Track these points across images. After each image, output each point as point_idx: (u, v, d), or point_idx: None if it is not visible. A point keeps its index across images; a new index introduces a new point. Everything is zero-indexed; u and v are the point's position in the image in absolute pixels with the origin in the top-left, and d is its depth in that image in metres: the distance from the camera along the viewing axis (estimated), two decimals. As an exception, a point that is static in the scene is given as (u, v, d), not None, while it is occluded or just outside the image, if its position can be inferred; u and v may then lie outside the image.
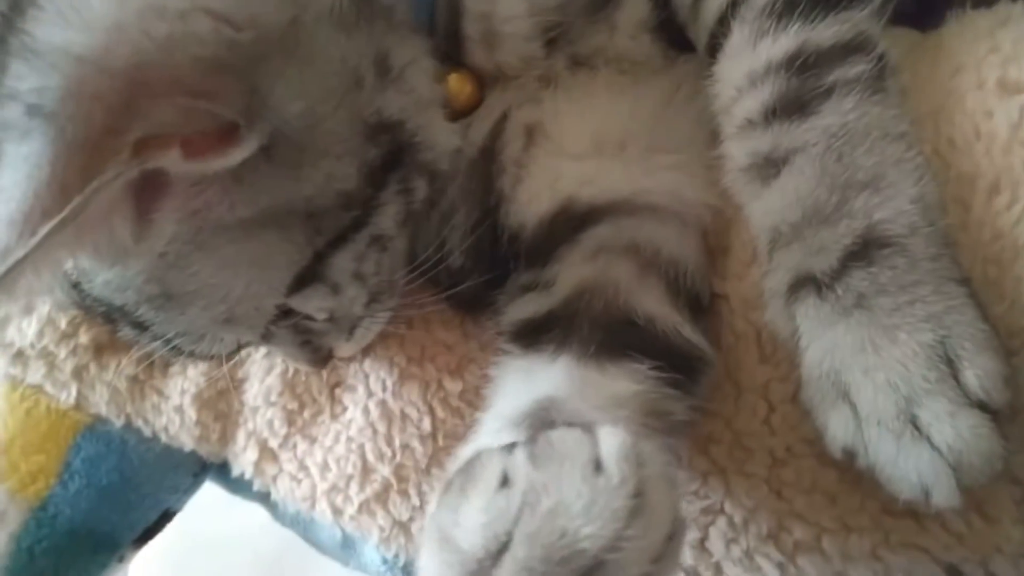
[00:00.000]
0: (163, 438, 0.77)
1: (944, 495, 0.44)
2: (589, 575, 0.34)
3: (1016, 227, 0.50)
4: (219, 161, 0.44)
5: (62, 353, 0.74)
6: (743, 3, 0.57)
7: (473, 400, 0.67)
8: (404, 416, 0.68)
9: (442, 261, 0.63)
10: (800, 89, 0.52)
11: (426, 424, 0.67)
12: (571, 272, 0.59)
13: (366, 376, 0.70)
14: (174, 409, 0.75)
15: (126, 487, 0.77)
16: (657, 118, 0.63)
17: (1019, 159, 0.51)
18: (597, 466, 0.35)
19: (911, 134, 0.51)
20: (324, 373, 0.71)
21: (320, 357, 0.66)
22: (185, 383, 0.75)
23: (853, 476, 0.53)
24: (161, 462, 0.78)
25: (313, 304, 0.56)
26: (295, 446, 0.72)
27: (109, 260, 0.47)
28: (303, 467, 0.72)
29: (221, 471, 0.81)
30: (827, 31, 0.53)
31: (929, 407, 0.44)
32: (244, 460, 0.75)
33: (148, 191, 0.46)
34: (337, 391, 0.71)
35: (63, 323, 0.73)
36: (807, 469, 0.54)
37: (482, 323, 0.69)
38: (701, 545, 0.57)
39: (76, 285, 0.55)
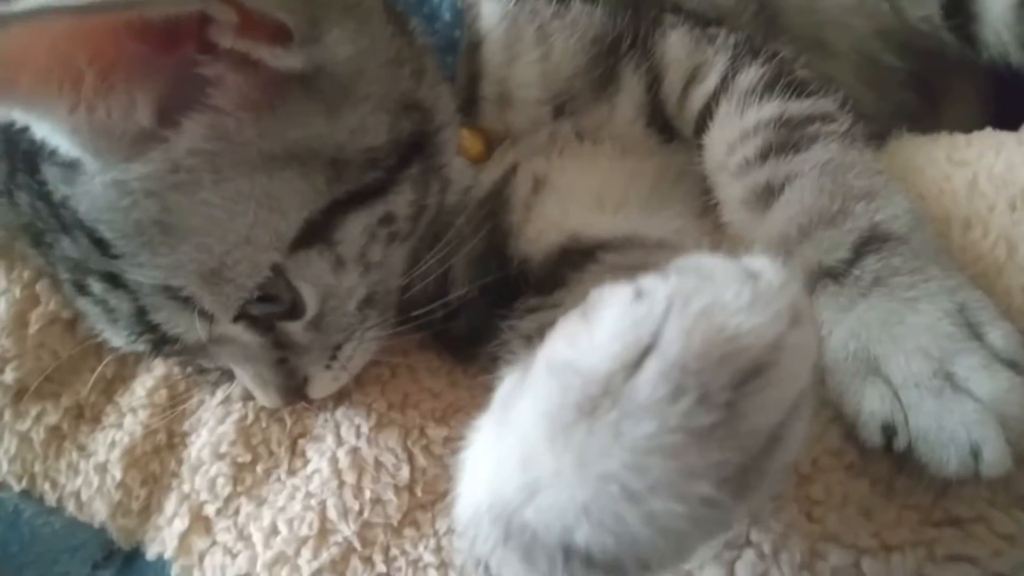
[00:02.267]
0: (70, 507, 0.65)
1: (994, 451, 0.42)
2: (745, 384, 0.29)
3: (993, 250, 0.55)
4: (266, 52, 0.45)
5: (-29, 393, 0.64)
6: (728, 89, 0.66)
7: (459, 449, 0.61)
8: (379, 465, 0.60)
9: (446, 285, 0.62)
10: (789, 136, 0.60)
11: (404, 473, 0.60)
12: (582, 289, 0.59)
13: (337, 425, 0.63)
14: (96, 468, 0.64)
15: (7, 567, 0.63)
16: (653, 185, 0.68)
17: (983, 204, 0.58)
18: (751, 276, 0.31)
19: (888, 173, 0.58)
20: (288, 422, 0.64)
21: (292, 386, 0.60)
22: (118, 435, 0.65)
23: (886, 486, 0.50)
24: (58, 541, 0.65)
25: (310, 272, 0.52)
26: (237, 511, 0.62)
27: (124, 145, 0.45)
28: (243, 536, 0.61)
29: (126, 567, 0.67)
30: (801, 105, 0.63)
31: (963, 363, 0.45)
32: (168, 534, 0.63)
33: (183, 94, 0.46)
34: (301, 442, 0.63)
35: (-10, 355, 0.65)
36: (836, 483, 0.50)
37: (471, 372, 0.65)
38: (726, 587, 0.50)
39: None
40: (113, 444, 0.65)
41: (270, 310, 0.54)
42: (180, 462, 0.65)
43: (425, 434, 0.62)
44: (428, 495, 0.60)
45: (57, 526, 0.65)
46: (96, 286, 0.51)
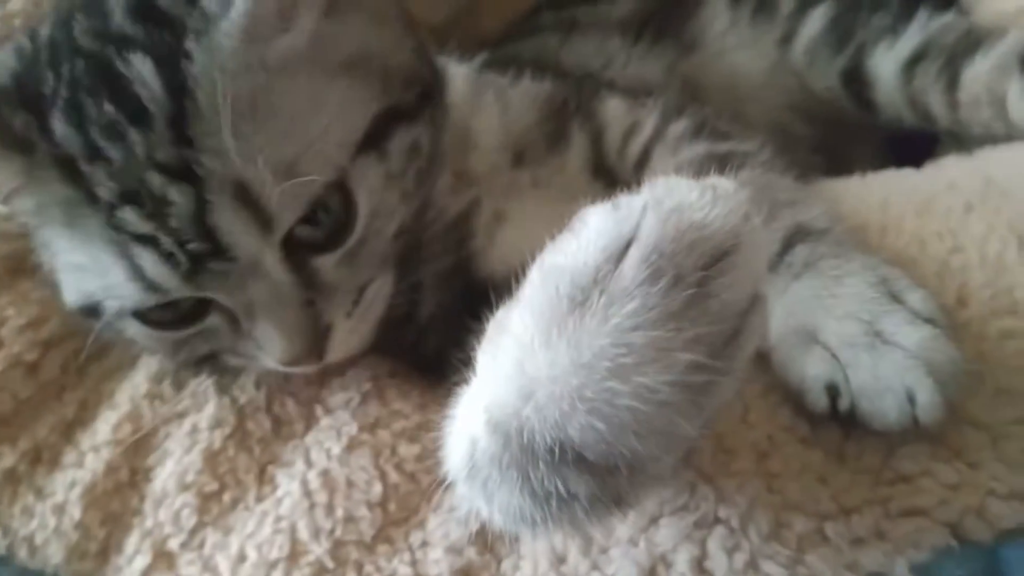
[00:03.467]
0: (21, 554, 0.62)
1: (927, 394, 0.47)
2: (711, 266, 0.33)
3: (907, 248, 0.62)
4: None
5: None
6: (662, 137, 0.75)
7: (432, 467, 0.62)
8: (350, 484, 0.60)
9: (416, 306, 0.65)
10: (718, 164, 0.67)
11: (376, 490, 0.60)
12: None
13: (307, 449, 0.63)
14: (53, 509, 0.63)
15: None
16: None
17: (894, 215, 0.65)
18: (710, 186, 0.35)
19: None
20: (256, 450, 0.64)
21: (314, 333, 0.60)
22: (78, 474, 0.64)
23: (837, 454, 0.53)
24: (6, 591, 0.61)
25: (368, 180, 0.58)
26: (203, 542, 0.60)
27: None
28: (208, 567, 0.59)
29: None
30: (724, 146, 0.72)
31: (889, 321, 0.50)
32: (127, 574, 0.60)
33: None
34: (270, 468, 0.63)
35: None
36: (793, 455, 0.53)
37: (441, 393, 0.67)
38: (700, 567, 0.52)
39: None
40: (73, 483, 0.63)
41: (315, 234, 0.57)
42: (143, 498, 0.63)
43: (396, 452, 0.63)
44: (402, 511, 0.60)
45: (5, 576, 0.61)
46: (156, 180, 0.51)
